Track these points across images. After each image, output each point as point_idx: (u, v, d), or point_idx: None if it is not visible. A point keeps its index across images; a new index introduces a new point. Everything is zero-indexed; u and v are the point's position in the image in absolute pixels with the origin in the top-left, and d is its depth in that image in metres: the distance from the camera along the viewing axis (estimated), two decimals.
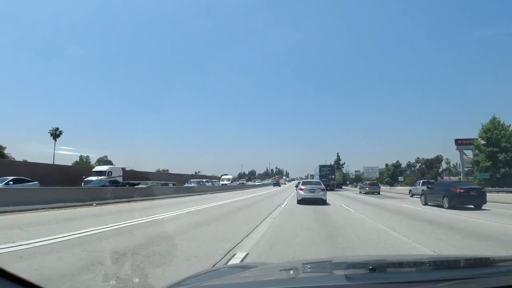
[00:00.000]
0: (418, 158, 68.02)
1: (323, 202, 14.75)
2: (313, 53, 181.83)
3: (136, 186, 24.48)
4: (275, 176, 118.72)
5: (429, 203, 15.78)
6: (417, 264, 1.82)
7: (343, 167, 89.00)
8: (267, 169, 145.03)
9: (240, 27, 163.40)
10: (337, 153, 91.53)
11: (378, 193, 32.27)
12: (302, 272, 1.51)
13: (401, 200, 20.77)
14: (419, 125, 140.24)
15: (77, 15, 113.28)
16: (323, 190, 15.35)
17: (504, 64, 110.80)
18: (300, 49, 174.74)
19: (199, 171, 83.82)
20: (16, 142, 79.26)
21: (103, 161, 54.34)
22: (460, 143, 36.77)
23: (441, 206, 14.21)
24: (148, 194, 18.17)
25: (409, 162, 68.91)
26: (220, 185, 40.33)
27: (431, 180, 29.68)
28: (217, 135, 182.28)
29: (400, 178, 54.56)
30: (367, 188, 33.16)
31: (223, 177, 48.73)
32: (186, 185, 33.08)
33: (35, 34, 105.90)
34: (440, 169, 66.87)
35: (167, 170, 73.79)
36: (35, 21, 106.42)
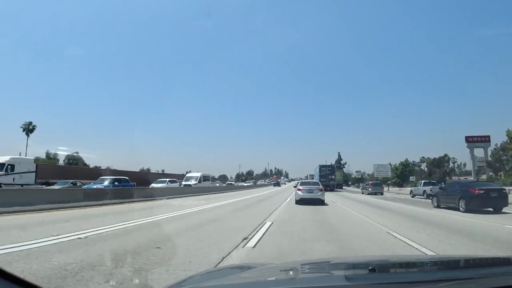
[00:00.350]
0: (423, 157, 66.17)
1: (321, 202, 14.96)
2: (313, 53, 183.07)
3: (47, 187, 20.00)
4: (273, 177, 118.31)
5: (441, 206, 14.35)
6: (417, 265, 1.83)
7: (344, 167, 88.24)
8: (265, 169, 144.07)
9: (240, 27, 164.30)
10: (338, 153, 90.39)
11: (381, 193, 31.57)
12: (302, 273, 1.56)
13: (409, 202, 19.21)
14: (419, 125, 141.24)
15: (77, 15, 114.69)
16: (321, 190, 15.51)
17: (504, 64, 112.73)
18: (300, 49, 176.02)
19: (190, 171, 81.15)
20: (16, 142, 78.76)
21: (74, 158, 51.48)
22: (471, 141, 34.87)
23: (456, 209, 12.85)
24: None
25: (413, 161, 67.13)
26: (183, 186, 28.79)
27: (432, 181, 29.47)
28: (217, 135, 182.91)
29: (412, 178, 48.52)
30: (370, 189, 32.10)
31: (187, 175, 33.56)
32: (87, 186, 19.66)
33: (35, 34, 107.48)
34: (448, 169, 64.91)
35: (163, 170, 71.48)
36: (35, 21, 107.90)
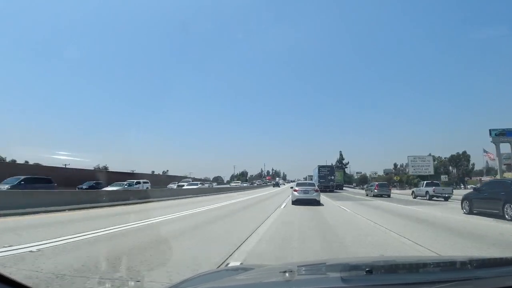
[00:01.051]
0: (433, 156, 62.59)
1: (316, 202, 15.57)
2: (313, 53, 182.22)
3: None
4: (266, 178, 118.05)
5: (475, 211, 11.56)
6: (414, 266, 1.84)
7: (347, 167, 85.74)
8: (261, 170, 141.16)
9: (240, 27, 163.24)
10: (340, 152, 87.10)
11: (388, 195, 28.82)
12: (298, 274, 1.56)
13: (428, 207, 16.27)
14: (419, 125, 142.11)
15: (77, 15, 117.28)
16: (316, 191, 16.15)
17: (504, 64, 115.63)
18: (300, 49, 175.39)
19: (167, 170, 76.86)
20: (17, 142, 77.08)
21: None
22: (497, 134, 31.18)
23: (498, 216, 10.21)
24: None
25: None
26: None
27: (435, 182, 28.86)
28: (216, 136, 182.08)
29: (444, 178, 41.86)
30: (375, 190, 29.03)
31: None
32: None
33: (35, 34, 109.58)
34: (468, 168, 61.32)
35: (153, 171, 66.64)
36: (35, 21, 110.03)
